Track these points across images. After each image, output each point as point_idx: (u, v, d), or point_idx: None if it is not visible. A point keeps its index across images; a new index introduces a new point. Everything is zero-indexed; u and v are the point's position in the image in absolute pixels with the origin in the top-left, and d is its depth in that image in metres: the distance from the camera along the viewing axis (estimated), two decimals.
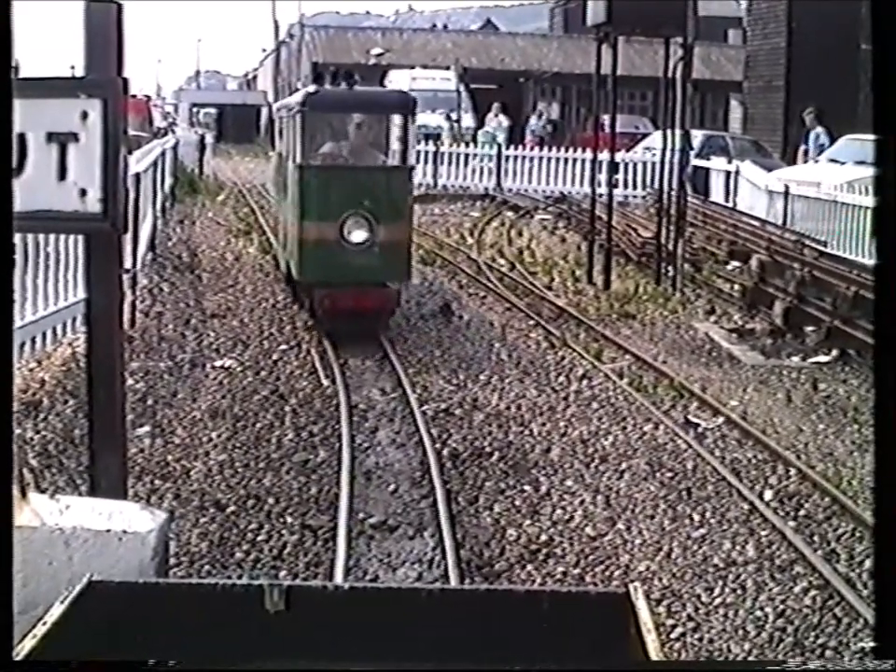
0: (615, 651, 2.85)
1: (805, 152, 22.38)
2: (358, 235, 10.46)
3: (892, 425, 2.49)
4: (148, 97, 35.12)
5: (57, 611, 2.75)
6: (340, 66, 14.45)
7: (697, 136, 24.26)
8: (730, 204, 20.86)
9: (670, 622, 5.52)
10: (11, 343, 3.25)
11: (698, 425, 8.53)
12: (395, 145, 11.45)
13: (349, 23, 69.75)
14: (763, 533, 6.57)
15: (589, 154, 17.96)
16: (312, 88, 11.19)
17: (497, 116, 31.76)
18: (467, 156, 26.93)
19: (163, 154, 20.33)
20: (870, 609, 5.45)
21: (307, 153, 10.93)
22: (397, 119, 11.32)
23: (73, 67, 6.45)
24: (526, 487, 7.15)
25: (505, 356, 10.52)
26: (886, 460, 2.54)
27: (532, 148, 27.85)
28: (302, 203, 10.78)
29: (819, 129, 22.78)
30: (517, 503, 6.89)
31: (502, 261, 16.15)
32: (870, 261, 12.52)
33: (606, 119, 15.69)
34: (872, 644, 5.09)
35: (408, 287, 12.08)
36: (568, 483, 7.26)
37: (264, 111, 54.48)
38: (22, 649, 2.58)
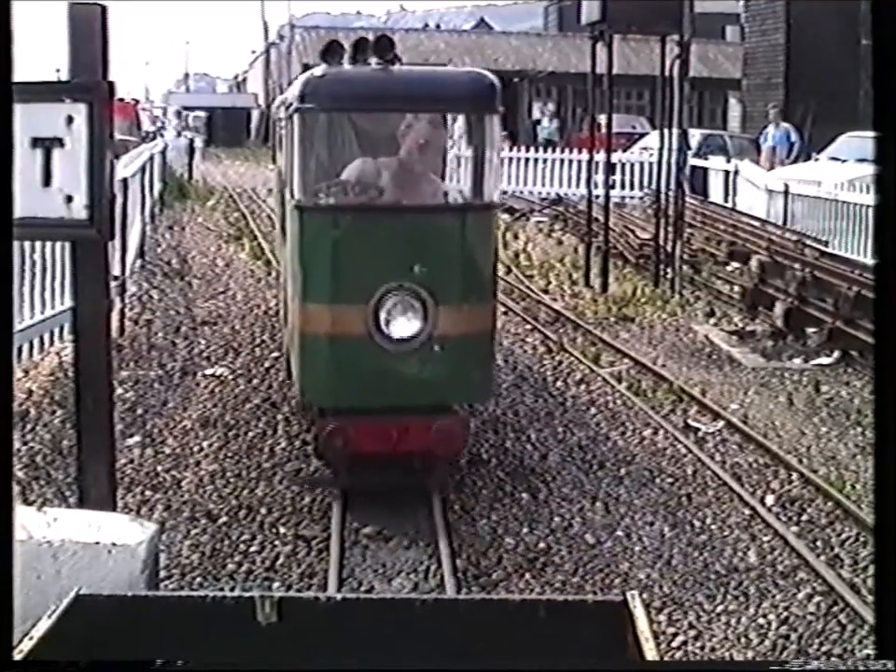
0: (612, 660, 2.82)
1: (773, 149, 22.24)
2: (405, 326, 6.42)
3: (893, 425, 2.44)
4: (136, 100, 35.10)
5: (44, 625, 2.73)
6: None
7: (695, 135, 24.17)
8: (729, 204, 20.79)
9: (671, 630, 5.47)
10: (11, 356, 3.17)
11: (698, 429, 8.46)
12: (468, 166, 6.95)
13: (340, 24, 69.50)
14: (764, 539, 6.51)
15: (585, 155, 17.89)
16: (318, 70, 6.69)
17: None
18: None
19: (152, 158, 20.25)
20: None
21: (312, 183, 6.63)
22: (470, 122, 6.86)
23: (58, 71, 6.39)
24: (524, 494, 7.07)
25: (501, 360, 10.43)
26: (886, 460, 2.49)
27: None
28: (306, 272, 6.58)
29: (786, 125, 22.71)
30: (514, 511, 6.80)
31: (498, 265, 16.05)
32: (872, 261, 12.44)
33: (602, 118, 15.61)
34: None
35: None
36: (567, 489, 7.18)
37: (255, 113, 54.51)
38: None
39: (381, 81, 6.68)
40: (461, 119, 7.04)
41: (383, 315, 6.40)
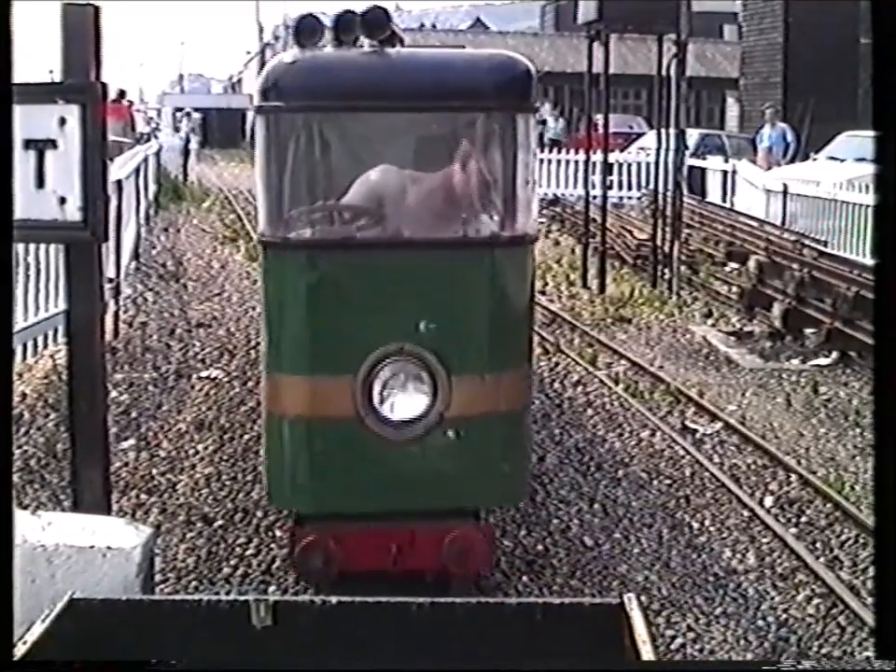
0: (609, 663, 2.81)
1: (770, 149, 22.22)
2: (407, 404, 4.98)
3: (892, 425, 2.42)
4: (130, 101, 35.05)
5: (38, 630, 2.73)
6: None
7: (693, 135, 24.18)
8: (727, 205, 20.77)
9: (670, 632, 5.44)
10: (11, 359, 3.16)
11: (696, 430, 8.42)
12: (494, 186, 5.22)
13: None
14: (763, 541, 6.47)
15: (582, 155, 17.86)
16: (288, 55, 5.16)
17: None
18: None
19: (146, 160, 20.21)
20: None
21: (280, 210, 5.12)
22: (498, 123, 5.18)
23: (51, 72, 6.36)
24: None
25: None
26: (885, 461, 2.47)
27: None
28: (272, 331, 5.17)
29: (782, 125, 22.70)
30: (512, 513, 6.76)
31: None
32: (871, 261, 12.42)
33: (599, 118, 15.59)
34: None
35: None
36: (564, 491, 7.15)
37: (250, 115, 54.37)
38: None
39: (373, 69, 5.08)
40: (487, 122, 5.17)
41: (377, 390, 4.92)
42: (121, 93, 24.15)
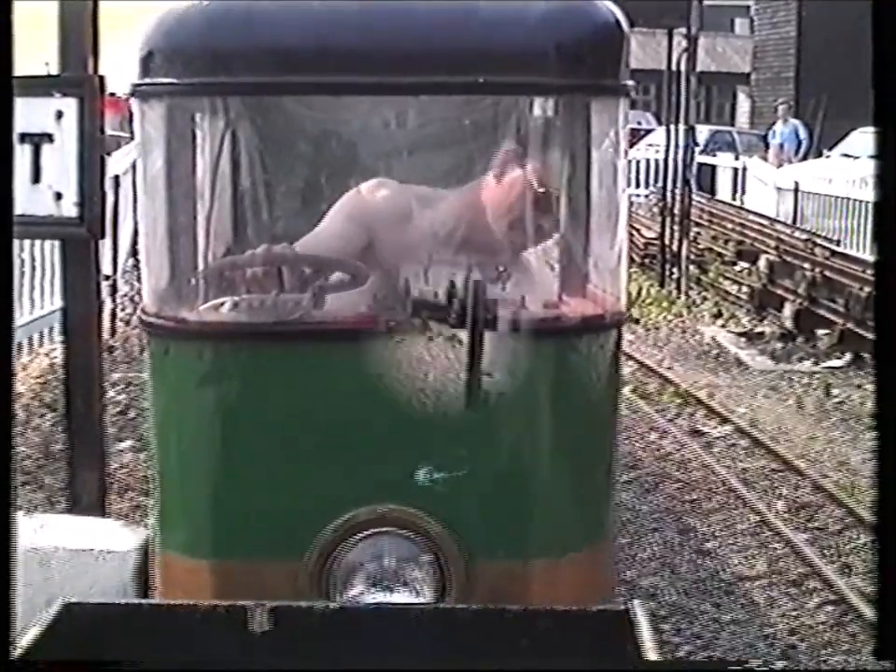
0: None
1: (781, 146, 22.14)
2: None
3: (893, 424, 2.35)
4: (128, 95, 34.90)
5: (32, 634, 2.66)
6: None
7: (703, 132, 24.10)
8: (737, 202, 20.68)
9: (677, 639, 5.36)
10: (11, 359, 3.10)
11: (705, 433, 8.35)
12: (554, 227, 3.17)
13: None
14: (774, 546, 6.38)
15: None
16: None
17: None
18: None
19: None
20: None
21: (176, 274, 3.18)
22: (559, 116, 3.16)
23: (47, 64, 6.30)
24: None
25: None
26: (886, 460, 2.40)
27: None
28: (160, 482, 3.19)
29: (794, 121, 22.63)
30: None
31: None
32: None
33: None
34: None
35: None
36: None
37: None
38: None
39: (337, 17, 3.02)
40: (537, 108, 3.23)
41: (340, 585, 3.13)
42: None
